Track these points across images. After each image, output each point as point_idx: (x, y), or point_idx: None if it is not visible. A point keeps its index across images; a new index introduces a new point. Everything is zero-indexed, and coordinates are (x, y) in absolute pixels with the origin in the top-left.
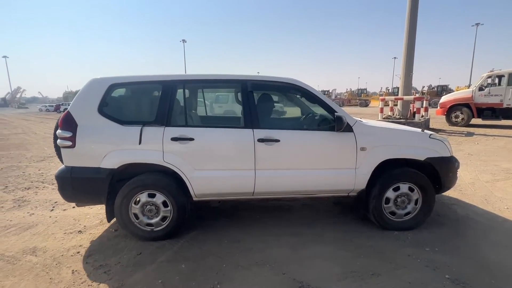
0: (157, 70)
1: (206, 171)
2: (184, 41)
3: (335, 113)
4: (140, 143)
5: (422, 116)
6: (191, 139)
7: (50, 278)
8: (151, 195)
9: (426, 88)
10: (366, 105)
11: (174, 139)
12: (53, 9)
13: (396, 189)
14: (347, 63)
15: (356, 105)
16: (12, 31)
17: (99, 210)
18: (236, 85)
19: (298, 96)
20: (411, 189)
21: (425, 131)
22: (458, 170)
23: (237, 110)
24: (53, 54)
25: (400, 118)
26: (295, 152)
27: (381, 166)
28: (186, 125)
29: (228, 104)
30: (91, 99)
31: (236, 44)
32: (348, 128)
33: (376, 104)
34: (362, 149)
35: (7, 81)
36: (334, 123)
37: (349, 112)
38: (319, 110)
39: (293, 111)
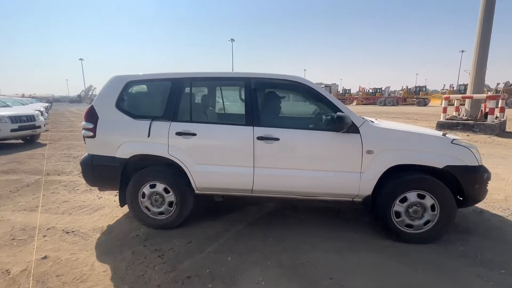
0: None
1: (207, 165)
2: (232, 40)
3: (337, 113)
4: (148, 136)
5: (497, 117)
6: (194, 134)
7: (114, 256)
8: (153, 186)
9: (502, 85)
10: (425, 104)
11: (178, 133)
12: (124, 13)
13: (407, 198)
14: (403, 58)
15: (413, 104)
16: (87, 34)
17: None
18: (240, 83)
19: (303, 94)
20: (422, 196)
21: (448, 135)
22: (488, 182)
23: (242, 107)
24: (120, 54)
25: (468, 119)
26: (295, 151)
27: (395, 172)
28: (191, 120)
29: (235, 101)
30: (110, 94)
31: (284, 40)
32: (354, 129)
33: (436, 103)
34: (369, 152)
35: (82, 81)
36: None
37: (402, 112)
38: (323, 109)
39: (298, 110)
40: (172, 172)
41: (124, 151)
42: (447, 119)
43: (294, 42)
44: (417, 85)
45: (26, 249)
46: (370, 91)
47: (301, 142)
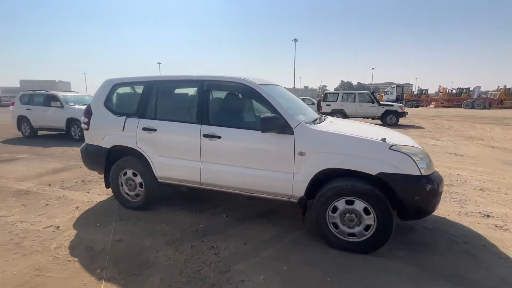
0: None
1: (165, 157)
2: (295, 40)
3: (263, 115)
4: (123, 130)
5: None
6: (155, 130)
7: (176, 247)
8: (125, 173)
9: None
10: None
11: (144, 128)
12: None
13: (342, 203)
14: (500, 52)
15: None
16: (163, 40)
17: None
18: (195, 85)
19: (246, 95)
20: (365, 209)
21: (388, 140)
22: (436, 193)
23: (196, 107)
24: (193, 56)
25: None
26: (234, 149)
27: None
28: (155, 118)
29: (191, 101)
30: (101, 94)
31: (351, 38)
32: (288, 130)
33: None
34: (301, 153)
35: None
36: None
37: (498, 117)
38: (266, 110)
39: (245, 110)
40: (140, 162)
41: (107, 142)
42: None
43: (360, 40)
44: None
45: (109, 230)
46: (454, 91)
47: (238, 140)
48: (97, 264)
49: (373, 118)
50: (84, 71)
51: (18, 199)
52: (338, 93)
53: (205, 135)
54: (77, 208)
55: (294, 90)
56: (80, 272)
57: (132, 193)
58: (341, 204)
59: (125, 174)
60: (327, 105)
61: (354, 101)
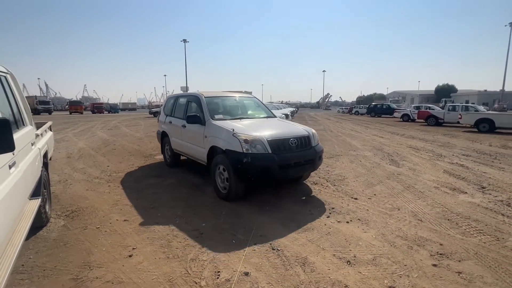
0: None
1: (173, 138)
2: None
3: (189, 113)
4: (164, 122)
5: None
6: (171, 122)
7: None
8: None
9: None
10: None
11: (168, 122)
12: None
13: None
14: None
15: None
16: (327, 50)
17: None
18: (186, 97)
19: (195, 103)
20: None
21: (234, 130)
22: (252, 165)
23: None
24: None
25: None
26: (189, 133)
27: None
28: (173, 116)
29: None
30: (166, 105)
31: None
32: (203, 123)
33: None
34: (205, 136)
35: (322, 89)
36: (201, 120)
37: None
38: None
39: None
40: (165, 138)
41: (159, 128)
42: None
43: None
44: None
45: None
46: None
47: (191, 129)
48: None
49: None
50: None
51: None
52: None
53: (183, 125)
54: None
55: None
56: None
57: (167, 156)
58: (219, 169)
59: (167, 145)
60: None
61: None
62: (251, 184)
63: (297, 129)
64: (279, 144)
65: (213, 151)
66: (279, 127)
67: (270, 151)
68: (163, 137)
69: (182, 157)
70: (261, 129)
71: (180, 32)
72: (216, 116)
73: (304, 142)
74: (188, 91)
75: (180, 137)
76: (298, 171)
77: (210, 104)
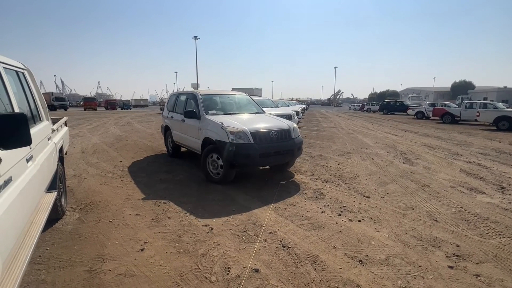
0: None
1: (175, 131)
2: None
3: (187, 109)
4: (166, 117)
5: None
6: (172, 117)
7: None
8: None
9: None
10: None
11: (170, 116)
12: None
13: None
14: None
15: None
16: (339, 45)
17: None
18: (186, 95)
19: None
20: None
21: (223, 123)
22: (237, 153)
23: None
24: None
25: None
26: (187, 126)
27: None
28: (174, 111)
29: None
30: (169, 102)
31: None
32: (198, 117)
33: None
34: (200, 129)
35: (333, 86)
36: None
37: None
38: (194, 108)
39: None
40: (167, 131)
41: (163, 123)
42: None
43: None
44: None
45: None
46: None
47: (189, 123)
48: None
49: None
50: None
51: None
52: None
53: (182, 120)
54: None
55: None
56: None
57: (170, 147)
58: (212, 157)
59: (169, 137)
60: None
61: None
62: (238, 170)
63: (279, 123)
64: (260, 136)
65: (206, 141)
66: (263, 121)
67: (252, 141)
68: (166, 130)
69: (182, 149)
70: (247, 123)
71: (192, 29)
72: (210, 112)
73: (284, 134)
74: (196, 89)
75: (180, 130)
76: (278, 159)
77: (205, 101)
